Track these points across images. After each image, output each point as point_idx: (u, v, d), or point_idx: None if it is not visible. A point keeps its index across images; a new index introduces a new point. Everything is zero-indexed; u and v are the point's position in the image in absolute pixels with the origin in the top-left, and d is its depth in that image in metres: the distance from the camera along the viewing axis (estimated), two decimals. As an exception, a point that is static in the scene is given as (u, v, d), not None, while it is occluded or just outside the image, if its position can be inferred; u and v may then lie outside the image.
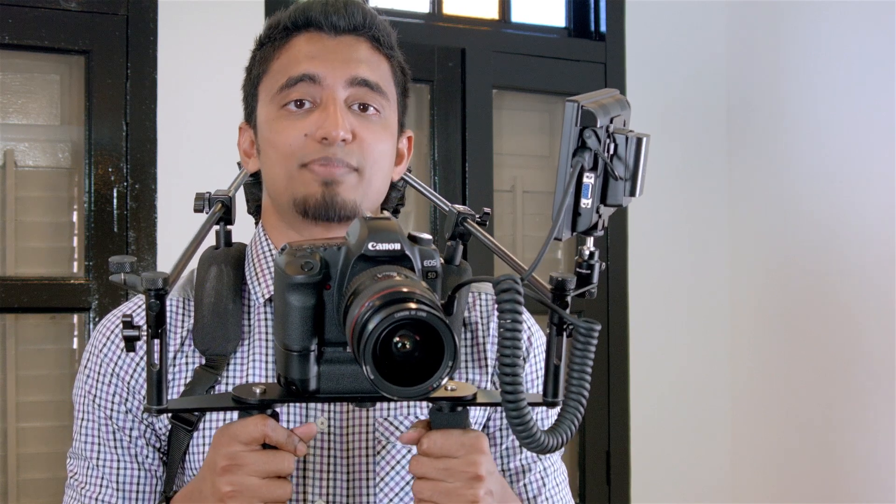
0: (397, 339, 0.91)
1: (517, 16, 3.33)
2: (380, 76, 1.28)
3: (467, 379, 1.29)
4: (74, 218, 2.71)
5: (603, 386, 3.28)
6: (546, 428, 1.02)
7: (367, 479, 1.23)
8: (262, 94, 1.29)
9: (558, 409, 1.16)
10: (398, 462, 1.24)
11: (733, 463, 3.43)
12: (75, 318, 2.72)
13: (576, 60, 3.31)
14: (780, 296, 3.28)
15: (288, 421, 1.22)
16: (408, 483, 1.24)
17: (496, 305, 0.98)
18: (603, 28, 3.33)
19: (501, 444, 1.33)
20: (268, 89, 1.28)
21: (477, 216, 1.27)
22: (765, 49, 3.36)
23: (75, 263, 2.71)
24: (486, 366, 1.31)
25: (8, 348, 2.67)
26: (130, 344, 0.98)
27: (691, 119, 3.43)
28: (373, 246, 0.99)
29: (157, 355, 0.99)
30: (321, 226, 1.25)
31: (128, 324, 0.97)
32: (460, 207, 1.27)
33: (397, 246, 1.00)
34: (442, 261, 1.05)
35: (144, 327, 0.98)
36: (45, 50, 2.67)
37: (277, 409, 1.06)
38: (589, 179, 0.99)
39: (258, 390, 1.04)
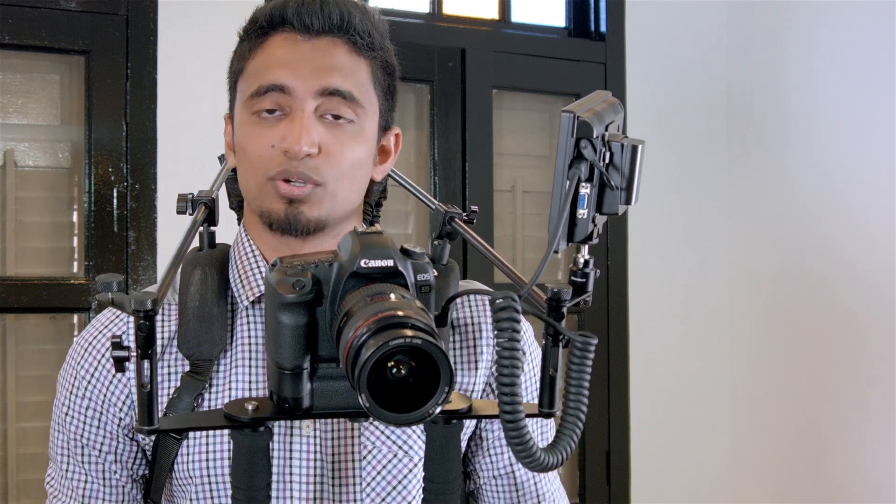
0: (392, 364, 0.90)
1: (517, 16, 3.33)
2: (355, 83, 1.22)
3: (458, 381, 1.28)
4: (74, 218, 2.71)
5: (603, 386, 3.28)
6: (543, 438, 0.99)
7: (354, 484, 1.23)
8: (239, 93, 1.26)
9: (550, 420, 1.12)
10: (384, 466, 1.24)
11: (733, 463, 3.43)
12: (75, 318, 2.72)
13: (576, 60, 3.31)
14: (779, 296, 3.28)
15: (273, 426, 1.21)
16: (394, 488, 1.24)
17: (494, 323, 0.96)
18: (603, 28, 3.32)
19: (504, 453, 1.32)
20: (242, 90, 1.25)
21: (464, 214, 1.26)
22: (765, 49, 3.36)
23: (75, 263, 2.71)
24: (478, 367, 1.29)
25: (8, 348, 2.67)
26: (120, 365, 0.95)
27: (691, 119, 3.43)
28: (365, 263, 0.97)
29: (147, 376, 0.97)
30: (287, 238, 1.23)
31: (117, 344, 0.94)
32: (447, 206, 1.26)
33: (390, 262, 0.98)
34: (435, 273, 1.03)
35: (133, 347, 0.96)
36: (45, 50, 2.67)
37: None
38: (585, 190, 0.98)
39: (250, 406, 1.02)
